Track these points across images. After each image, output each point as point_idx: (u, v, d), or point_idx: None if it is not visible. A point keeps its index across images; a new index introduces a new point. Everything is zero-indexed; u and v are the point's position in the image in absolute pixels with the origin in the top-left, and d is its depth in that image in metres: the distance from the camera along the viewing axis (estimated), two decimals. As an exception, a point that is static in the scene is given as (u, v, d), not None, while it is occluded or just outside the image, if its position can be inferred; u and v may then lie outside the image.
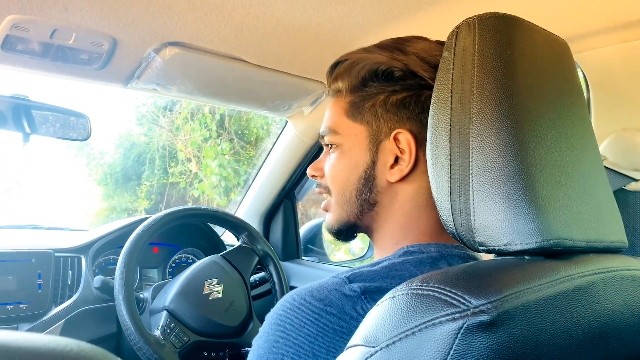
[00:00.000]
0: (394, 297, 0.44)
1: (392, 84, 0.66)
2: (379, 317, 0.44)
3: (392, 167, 0.66)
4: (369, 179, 0.68)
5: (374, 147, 0.67)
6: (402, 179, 0.65)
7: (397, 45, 0.66)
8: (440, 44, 0.66)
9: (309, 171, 0.77)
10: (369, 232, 0.72)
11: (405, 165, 0.65)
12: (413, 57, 0.65)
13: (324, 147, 0.75)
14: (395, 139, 0.65)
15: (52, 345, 0.22)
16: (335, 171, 0.71)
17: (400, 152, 0.65)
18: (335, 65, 0.71)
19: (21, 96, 1.14)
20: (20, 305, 1.19)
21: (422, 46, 0.66)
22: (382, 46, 0.67)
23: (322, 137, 0.73)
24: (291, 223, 1.84)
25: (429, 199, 0.65)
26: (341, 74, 0.69)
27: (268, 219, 1.84)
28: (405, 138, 0.65)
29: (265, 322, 0.59)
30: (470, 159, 0.50)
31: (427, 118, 0.62)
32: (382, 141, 0.67)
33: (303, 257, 1.87)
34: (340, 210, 0.71)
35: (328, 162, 0.73)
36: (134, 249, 1.17)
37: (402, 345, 0.40)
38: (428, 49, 0.65)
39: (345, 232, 0.73)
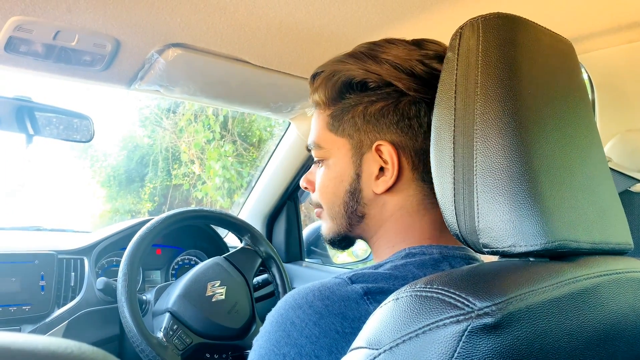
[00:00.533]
0: (398, 299, 0.43)
1: (368, 95, 0.65)
2: (382, 319, 0.43)
3: (377, 178, 0.66)
4: (354, 192, 0.67)
5: (358, 160, 0.67)
6: (388, 189, 0.65)
7: (369, 54, 0.65)
8: (414, 44, 0.66)
9: (301, 183, 0.77)
10: (363, 239, 0.72)
11: (389, 177, 0.64)
12: (386, 66, 0.63)
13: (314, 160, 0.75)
14: (377, 150, 0.65)
15: (52, 347, 0.22)
16: (323, 185, 0.71)
17: (384, 162, 0.65)
18: (314, 77, 0.71)
19: (24, 98, 1.15)
20: (23, 307, 1.19)
21: (395, 52, 0.64)
22: (355, 55, 0.66)
23: (309, 150, 0.73)
24: (294, 225, 1.83)
25: (420, 205, 0.65)
26: (318, 86, 0.69)
27: (271, 220, 1.84)
28: (387, 149, 0.64)
29: (266, 322, 0.59)
30: (474, 160, 0.50)
31: (407, 125, 0.63)
32: (364, 153, 0.66)
33: (306, 259, 1.86)
34: (331, 222, 0.71)
35: (317, 176, 0.72)
36: (136, 250, 1.17)
37: (406, 348, 0.40)
38: (402, 55, 0.64)
39: (339, 242, 0.73)
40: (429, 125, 0.63)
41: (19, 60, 1.00)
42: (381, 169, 0.65)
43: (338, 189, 0.69)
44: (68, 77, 1.10)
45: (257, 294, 1.46)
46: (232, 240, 1.72)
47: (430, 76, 0.63)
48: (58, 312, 1.23)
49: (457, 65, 0.53)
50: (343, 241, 0.72)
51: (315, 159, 0.72)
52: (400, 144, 0.64)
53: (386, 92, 0.64)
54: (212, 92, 1.27)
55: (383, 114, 0.64)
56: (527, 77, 0.51)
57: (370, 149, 0.65)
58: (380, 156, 0.65)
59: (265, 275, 1.46)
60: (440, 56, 0.64)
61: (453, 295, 0.40)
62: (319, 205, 0.73)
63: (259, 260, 1.37)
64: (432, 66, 0.63)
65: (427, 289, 0.42)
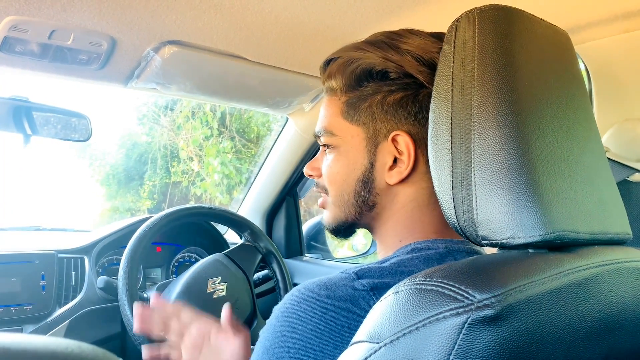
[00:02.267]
0: (398, 292, 0.44)
1: (388, 84, 0.64)
2: (382, 312, 0.43)
3: (390, 168, 0.65)
4: (367, 181, 0.67)
5: (372, 149, 0.66)
6: (402, 180, 0.64)
7: (390, 43, 0.64)
8: (435, 36, 0.65)
9: (306, 170, 0.76)
10: (369, 229, 0.71)
11: (404, 168, 0.64)
12: (408, 58, 0.63)
13: (320, 146, 0.74)
14: (394, 140, 0.64)
15: (52, 347, 0.22)
16: (333, 173, 0.70)
17: (399, 153, 0.64)
18: (328, 62, 0.69)
19: (21, 98, 1.14)
20: (25, 307, 1.19)
21: (417, 43, 0.63)
22: (375, 44, 0.65)
23: (318, 137, 0.72)
24: (294, 220, 1.83)
25: (431, 198, 0.65)
26: (334, 72, 0.67)
27: (271, 216, 1.84)
28: (404, 140, 0.63)
29: (272, 315, 0.59)
30: (472, 153, 0.50)
31: (425, 117, 0.62)
32: (380, 143, 0.65)
33: (306, 254, 1.87)
34: (338, 210, 0.70)
35: (325, 162, 0.71)
36: (136, 248, 1.17)
37: (407, 341, 0.40)
38: (423, 46, 0.63)
39: (343, 231, 0.72)
40: None
41: (15, 60, 0.99)
42: (394, 160, 0.65)
43: (349, 177, 0.68)
44: (64, 77, 1.09)
45: (258, 290, 1.47)
46: (232, 237, 1.72)
47: None
48: (59, 311, 1.23)
49: (453, 57, 0.53)
50: (348, 229, 0.72)
51: (325, 145, 0.71)
52: (417, 136, 0.64)
53: (406, 83, 0.63)
54: (209, 89, 1.27)
55: (402, 105, 0.64)
56: (524, 68, 0.51)
57: (386, 138, 0.65)
58: (395, 147, 0.64)
59: (265, 271, 1.46)
60: None
61: (452, 288, 0.40)
62: (325, 191, 0.72)
63: (259, 256, 1.38)
64: None
65: (427, 282, 0.42)
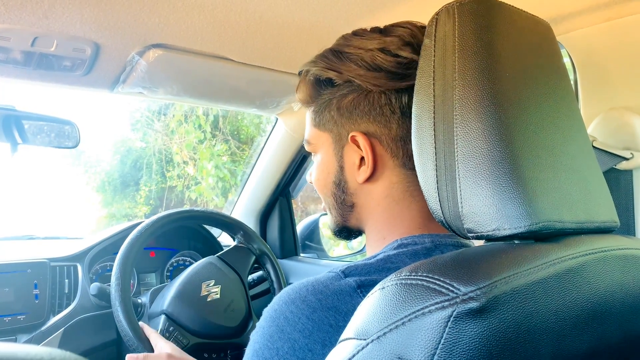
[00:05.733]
0: (383, 288, 0.43)
1: (340, 89, 0.66)
2: (369, 309, 0.43)
3: (359, 168, 0.67)
4: (340, 184, 0.69)
5: (339, 152, 0.69)
6: (370, 178, 0.66)
7: (337, 50, 0.66)
8: (379, 31, 0.65)
9: (307, 177, 0.80)
10: (360, 230, 0.73)
11: (367, 166, 0.66)
12: (347, 63, 0.65)
13: None
14: (354, 141, 0.66)
15: (21, 355, 0.22)
16: (316, 178, 0.73)
17: (363, 152, 0.66)
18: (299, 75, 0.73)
19: (8, 107, 1.14)
20: (18, 317, 1.18)
21: (358, 44, 0.65)
22: (323, 54, 0.68)
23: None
24: (287, 220, 1.83)
25: (405, 192, 0.66)
26: (298, 86, 0.72)
27: (264, 217, 1.84)
28: (361, 140, 0.65)
29: (262, 317, 0.59)
30: (455, 146, 0.50)
31: (379, 114, 0.64)
32: (344, 145, 0.68)
33: (301, 254, 1.86)
34: (329, 214, 0.74)
35: (312, 169, 0.75)
36: (128, 254, 1.16)
37: (393, 336, 0.40)
38: (365, 46, 0.64)
39: (340, 233, 0.75)
40: (402, 110, 0.63)
41: (-2, 69, 0.99)
42: (362, 159, 0.66)
43: (326, 181, 0.71)
44: (49, 84, 1.09)
45: (253, 292, 1.46)
46: (226, 240, 1.72)
47: (391, 64, 0.63)
48: (53, 320, 1.22)
49: (434, 51, 0.53)
50: (343, 231, 0.74)
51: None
52: (374, 133, 0.65)
53: (355, 85, 0.65)
54: (196, 92, 1.26)
55: (355, 106, 0.66)
56: (505, 60, 0.51)
57: (348, 140, 0.67)
58: (357, 146, 0.66)
59: (260, 273, 1.46)
60: (403, 41, 0.63)
61: (437, 282, 0.40)
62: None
63: (253, 258, 1.37)
64: (393, 53, 0.63)
65: (412, 277, 0.42)
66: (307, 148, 0.74)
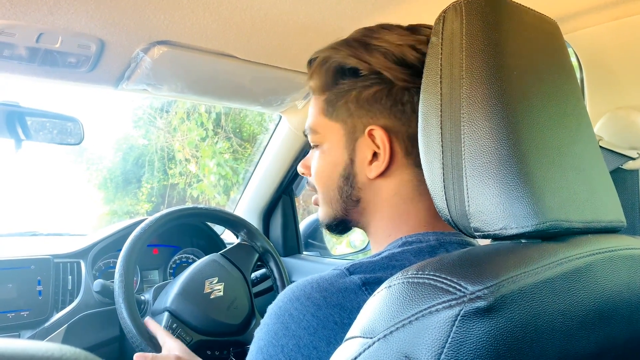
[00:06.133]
0: (390, 286, 0.43)
1: (361, 80, 0.65)
2: (375, 307, 0.43)
3: (370, 163, 0.66)
4: (348, 177, 0.68)
5: (351, 145, 0.67)
6: (382, 174, 0.65)
7: (362, 40, 0.65)
8: (409, 29, 0.65)
9: (299, 168, 0.78)
10: (360, 226, 0.72)
11: (381, 162, 0.65)
12: (376, 55, 0.63)
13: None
14: (370, 135, 0.65)
15: (31, 351, 0.22)
16: (318, 170, 0.71)
17: (377, 147, 0.65)
18: (309, 63, 0.71)
19: (12, 103, 1.14)
20: (22, 313, 1.18)
21: (388, 38, 0.64)
22: (347, 42, 0.66)
23: (306, 136, 0.73)
24: (290, 218, 1.83)
25: (415, 191, 0.65)
26: (313, 72, 0.69)
27: (267, 215, 1.84)
28: (379, 134, 0.64)
29: (266, 314, 0.59)
30: (462, 145, 0.49)
31: (400, 110, 0.63)
32: (358, 138, 0.66)
33: (304, 252, 1.86)
34: (327, 207, 0.72)
35: (313, 160, 0.73)
36: (132, 251, 1.16)
37: (400, 335, 0.40)
38: (395, 41, 0.63)
39: (335, 227, 0.73)
40: None
41: (3, 65, 0.99)
42: (374, 154, 0.65)
43: (333, 174, 0.69)
44: (54, 80, 1.09)
45: (256, 289, 1.46)
46: (229, 237, 1.72)
47: (421, 62, 0.62)
48: (57, 316, 1.22)
49: (441, 49, 0.53)
50: (339, 226, 0.73)
51: (311, 144, 0.73)
52: (393, 129, 0.64)
53: (378, 78, 0.64)
54: (200, 89, 1.26)
55: (376, 99, 0.64)
56: (513, 58, 0.51)
57: (363, 134, 0.65)
58: (373, 141, 0.65)
59: (263, 270, 1.46)
60: None
61: (445, 281, 0.40)
62: (315, 189, 0.74)
63: (256, 255, 1.37)
64: (423, 52, 0.62)
65: (419, 275, 0.42)
66: (310, 138, 0.72)
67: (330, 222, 0.72)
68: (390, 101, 0.64)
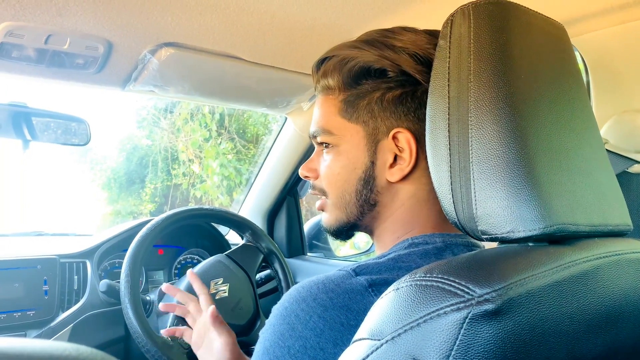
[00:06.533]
0: (398, 289, 0.43)
1: (386, 81, 0.64)
2: (383, 309, 0.43)
3: (391, 166, 0.64)
4: (368, 180, 0.66)
5: (372, 147, 0.65)
6: (403, 178, 0.64)
7: (385, 41, 0.64)
8: (429, 33, 0.65)
9: (301, 171, 0.74)
10: (368, 230, 0.71)
11: (405, 165, 0.63)
12: (404, 56, 0.62)
13: (316, 146, 0.72)
14: (394, 137, 0.64)
15: (49, 350, 0.22)
16: (333, 173, 0.68)
17: (400, 150, 0.64)
18: (322, 61, 0.69)
19: (20, 103, 1.15)
20: (28, 312, 1.19)
21: (412, 39, 0.63)
22: (370, 42, 0.64)
23: (314, 137, 0.70)
24: (295, 220, 1.83)
25: (429, 194, 0.64)
26: (330, 70, 0.66)
27: (272, 216, 1.84)
28: (405, 137, 0.63)
29: (271, 315, 0.59)
30: (470, 148, 0.50)
31: (424, 114, 0.61)
32: (380, 140, 0.65)
33: (308, 254, 1.87)
34: (339, 211, 0.69)
35: (323, 163, 0.70)
36: (138, 251, 1.17)
37: (408, 337, 0.40)
38: (418, 43, 0.63)
39: (344, 232, 0.71)
40: None
41: (12, 66, 0.99)
42: (395, 158, 0.64)
43: (350, 177, 0.67)
44: (62, 81, 1.09)
45: (260, 290, 1.46)
46: (233, 238, 1.72)
47: None
48: (62, 316, 1.23)
49: (449, 53, 0.53)
50: (349, 231, 0.71)
51: (323, 145, 0.69)
52: (417, 132, 0.63)
53: (404, 80, 0.63)
54: (207, 90, 1.27)
55: (401, 102, 0.63)
56: (520, 62, 0.51)
57: (387, 136, 0.64)
58: (396, 144, 0.64)
59: (268, 271, 1.46)
60: None
61: (453, 283, 0.40)
62: (323, 193, 0.71)
63: (261, 256, 1.37)
64: None
65: (427, 278, 0.42)
66: (322, 138, 0.68)
67: (340, 226, 0.70)
68: (415, 104, 0.63)
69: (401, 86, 0.63)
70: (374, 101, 0.64)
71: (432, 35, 0.64)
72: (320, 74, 0.69)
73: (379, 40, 0.64)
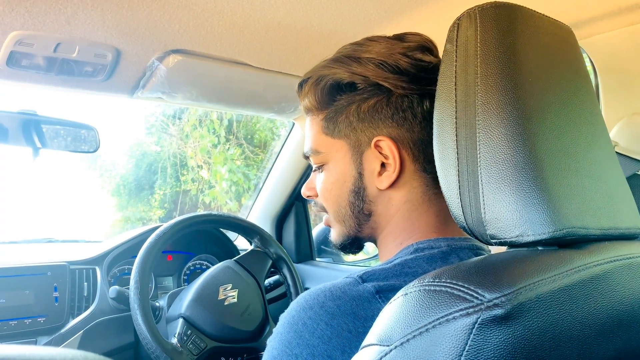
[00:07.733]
0: (407, 294, 0.43)
1: (359, 93, 0.65)
2: (392, 315, 0.43)
3: (379, 174, 0.66)
4: (358, 191, 0.68)
5: (358, 159, 0.67)
6: (392, 184, 0.65)
7: (352, 55, 0.65)
8: (395, 38, 0.66)
9: (303, 192, 0.77)
10: (372, 240, 0.72)
11: (392, 171, 0.65)
12: (370, 67, 0.64)
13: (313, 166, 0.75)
14: (377, 146, 0.65)
15: (58, 358, 0.22)
16: (326, 189, 0.71)
17: (385, 157, 0.65)
18: (301, 84, 0.71)
19: (29, 111, 1.15)
20: (38, 319, 1.20)
21: (378, 49, 0.64)
22: (339, 59, 0.66)
23: (307, 157, 0.73)
24: (303, 225, 1.83)
25: (423, 196, 0.65)
26: (307, 92, 0.69)
27: (280, 221, 1.84)
28: (387, 144, 0.64)
29: (279, 323, 0.59)
30: (478, 151, 0.49)
31: (402, 118, 0.64)
32: (364, 151, 0.66)
33: (317, 259, 1.86)
34: (340, 226, 0.71)
35: (318, 181, 0.72)
36: (147, 257, 1.17)
37: (417, 343, 0.40)
38: (385, 51, 0.64)
39: (350, 246, 0.73)
40: (424, 115, 0.64)
41: (21, 74, 1.00)
42: (382, 165, 0.65)
43: (342, 191, 0.69)
44: (71, 89, 1.10)
45: (269, 296, 1.47)
46: (242, 244, 1.72)
47: (415, 68, 0.63)
48: (73, 322, 1.24)
49: (456, 56, 0.53)
50: (354, 244, 0.72)
51: (314, 165, 0.72)
52: (398, 137, 0.64)
53: (375, 89, 0.65)
54: (214, 97, 1.27)
55: (377, 110, 0.65)
56: (528, 65, 0.50)
57: (369, 146, 0.66)
58: (380, 152, 0.65)
59: (276, 277, 1.46)
60: (422, 46, 0.65)
61: (462, 288, 0.40)
62: (324, 209, 0.73)
63: (270, 262, 1.37)
64: (415, 57, 0.64)
65: (436, 283, 0.42)
66: (313, 159, 0.72)
67: (344, 240, 0.72)
68: (390, 110, 0.64)
69: (374, 95, 0.65)
70: (351, 114, 0.66)
71: (398, 39, 0.65)
72: (300, 97, 0.72)
73: (346, 55, 0.66)
